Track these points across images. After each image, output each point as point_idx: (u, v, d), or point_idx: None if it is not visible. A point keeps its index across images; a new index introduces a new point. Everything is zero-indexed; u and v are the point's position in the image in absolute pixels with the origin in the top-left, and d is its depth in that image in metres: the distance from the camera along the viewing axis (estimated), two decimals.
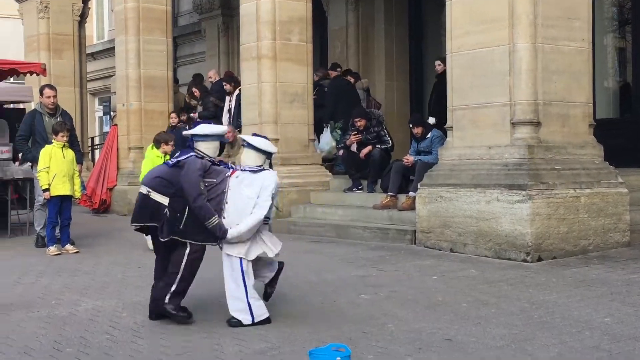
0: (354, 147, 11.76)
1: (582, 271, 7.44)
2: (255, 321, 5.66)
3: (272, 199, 5.76)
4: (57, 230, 9.89)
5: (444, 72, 12.28)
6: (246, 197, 5.70)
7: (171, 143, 9.96)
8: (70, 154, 9.90)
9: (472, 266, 7.87)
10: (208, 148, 5.94)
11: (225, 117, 14.26)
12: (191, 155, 5.79)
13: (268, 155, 5.95)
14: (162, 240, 5.74)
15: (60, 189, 9.69)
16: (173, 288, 5.73)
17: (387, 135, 11.68)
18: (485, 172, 8.52)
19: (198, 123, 6.26)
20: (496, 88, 8.53)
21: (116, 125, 16.01)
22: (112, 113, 19.34)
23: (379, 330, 5.44)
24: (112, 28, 23.59)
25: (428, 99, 13.91)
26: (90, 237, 11.26)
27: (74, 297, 6.86)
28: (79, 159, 10.46)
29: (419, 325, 5.55)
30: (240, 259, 5.71)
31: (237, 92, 13.88)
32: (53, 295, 7.03)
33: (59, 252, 9.61)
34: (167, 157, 9.74)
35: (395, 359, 4.73)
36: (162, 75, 15.51)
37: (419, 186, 9.41)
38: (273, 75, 12.01)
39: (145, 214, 5.83)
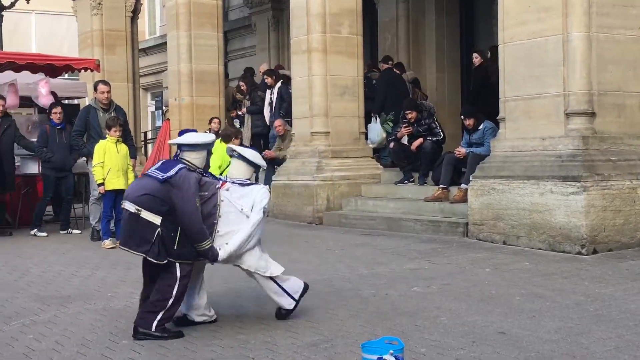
0: (404, 140, 11.71)
1: (639, 264, 7.30)
2: (296, 298, 5.63)
3: (264, 213, 5.50)
4: (112, 224, 10.04)
5: (480, 65, 12.17)
6: (238, 211, 5.45)
7: (240, 137, 10.00)
8: (124, 148, 10.05)
9: (525, 259, 7.78)
10: (196, 158, 5.50)
11: (266, 111, 14.34)
12: (182, 168, 5.33)
13: (257, 168, 5.79)
14: (159, 262, 5.26)
15: (115, 183, 9.85)
16: (161, 315, 5.27)
17: (438, 128, 11.59)
18: (538, 163, 8.41)
19: (185, 131, 5.79)
20: (550, 78, 8.41)
21: (168, 119, 16.18)
22: (164, 108, 19.55)
23: (432, 324, 5.42)
24: (163, 24, 23.83)
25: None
26: None
27: (129, 290, 6.96)
28: (133, 153, 10.62)
29: (472, 319, 5.51)
30: (271, 278, 5.58)
31: (278, 84, 13.96)
32: (109, 287, 7.15)
33: (114, 246, 9.74)
34: None
35: (449, 352, 4.70)
36: (214, 70, 15.63)
37: (471, 178, 9.33)
38: (323, 68, 12.02)
39: (134, 236, 5.28)
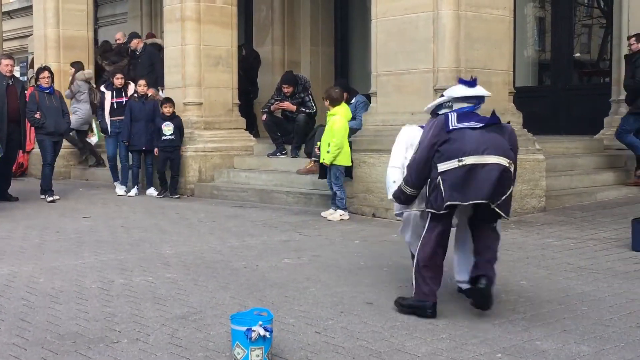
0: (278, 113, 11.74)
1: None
2: None
3: None
4: None
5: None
6: None
7: None
8: None
9: (393, 231, 7.93)
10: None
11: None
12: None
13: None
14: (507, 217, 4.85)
15: None
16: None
17: (311, 101, 11.65)
18: None
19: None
20: (420, 54, 8.58)
21: (33, 86, 15.54)
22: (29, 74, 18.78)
23: (302, 295, 5.46)
24: None
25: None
26: (6, 201, 10.97)
27: None
28: None
29: (341, 289, 5.59)
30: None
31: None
32: None
33: None
34: None
35: (317, 322, 4.75)
36: (83, 36, 15.17)
37: None
38: (197, 38, 11.84)
39: (500, 191, 4.67)
